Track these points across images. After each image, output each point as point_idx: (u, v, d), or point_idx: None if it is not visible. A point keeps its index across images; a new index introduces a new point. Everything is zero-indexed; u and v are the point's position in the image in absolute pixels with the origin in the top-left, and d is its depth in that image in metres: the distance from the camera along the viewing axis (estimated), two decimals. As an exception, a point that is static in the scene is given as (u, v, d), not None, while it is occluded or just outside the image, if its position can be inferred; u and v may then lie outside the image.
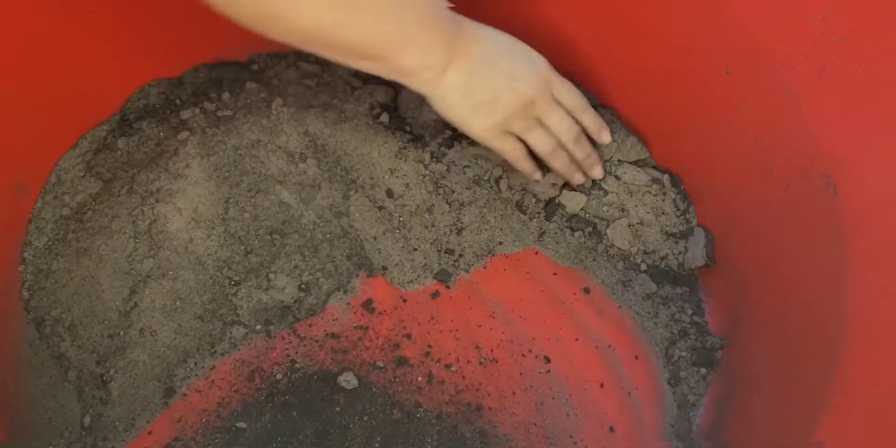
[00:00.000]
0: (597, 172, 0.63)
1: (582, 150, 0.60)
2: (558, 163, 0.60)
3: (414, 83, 0.52)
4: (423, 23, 0.48)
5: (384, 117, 0.65)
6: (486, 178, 0.65)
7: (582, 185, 0.64)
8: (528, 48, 0.56)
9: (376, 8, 0.46)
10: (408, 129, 0.66)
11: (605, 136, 0.62)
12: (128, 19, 0.60)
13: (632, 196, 0.64)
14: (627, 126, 0.66)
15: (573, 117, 0.59)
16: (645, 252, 0.64)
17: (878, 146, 0.46)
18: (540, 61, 0.56)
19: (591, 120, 0.60)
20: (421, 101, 0.58)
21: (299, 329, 0.59)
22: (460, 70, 0.51)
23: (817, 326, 0.50)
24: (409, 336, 0.60)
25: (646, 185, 0.64)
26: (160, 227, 0.58)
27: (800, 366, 0.52)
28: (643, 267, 0.64)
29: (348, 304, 0.60)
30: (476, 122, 0.55)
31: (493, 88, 0.53)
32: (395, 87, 0.68)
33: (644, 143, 0.66)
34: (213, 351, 0.57)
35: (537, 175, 0.62)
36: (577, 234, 0.64)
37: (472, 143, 0.65)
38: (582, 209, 0.64)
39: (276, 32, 0.45)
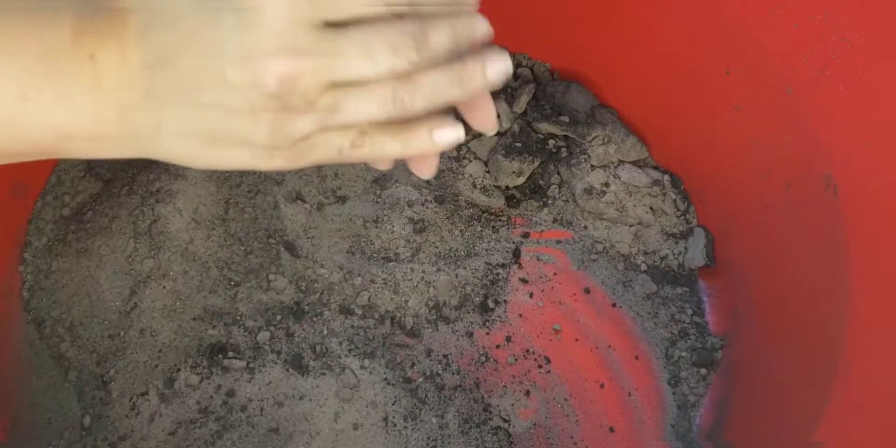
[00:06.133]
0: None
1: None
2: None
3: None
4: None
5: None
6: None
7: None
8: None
9: None
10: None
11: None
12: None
13: (631, 196, 0.64)
14: (627, 126, 0.66)
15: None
16: (645, 252, 0.64)
17: (877, 146, 0.46)
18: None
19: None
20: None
21: (298, 329, 0.59)
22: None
23: (817, 326, 0.50)
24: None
25: (646, 186, 0.64)
26: (160, 228, 0.58)
27: (800, 366, 0.52)
28: (643, 267, 0.64)
29: (349, 305, 0.60)
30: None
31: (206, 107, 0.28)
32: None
33: (644, 143, 0.66)
34: (213, 351, 0.57)
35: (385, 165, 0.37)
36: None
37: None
38: (569, 211, 0.64)
39: None
